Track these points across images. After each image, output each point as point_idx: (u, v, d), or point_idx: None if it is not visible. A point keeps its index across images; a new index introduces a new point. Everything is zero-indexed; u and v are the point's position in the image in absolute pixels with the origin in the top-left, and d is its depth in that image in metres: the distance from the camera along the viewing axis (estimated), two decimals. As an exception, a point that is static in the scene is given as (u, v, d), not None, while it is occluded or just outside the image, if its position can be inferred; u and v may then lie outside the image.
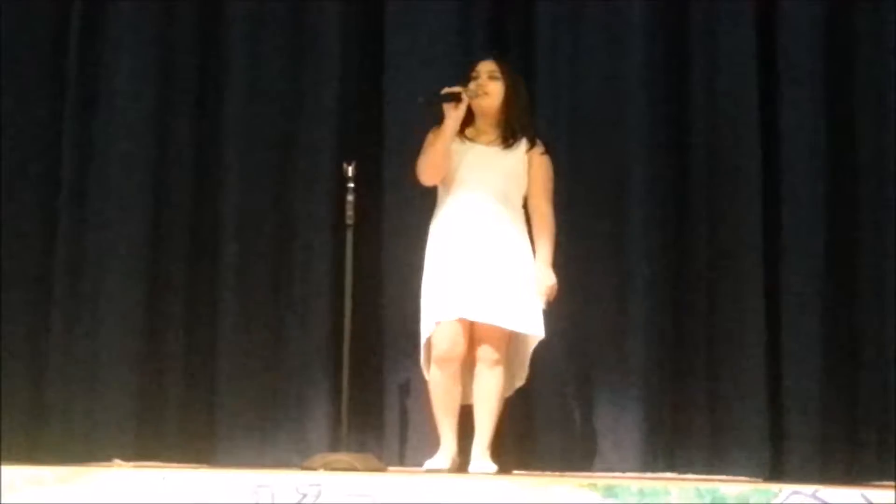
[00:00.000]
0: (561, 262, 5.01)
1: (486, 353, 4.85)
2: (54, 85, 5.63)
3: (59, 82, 5.62)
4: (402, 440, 5.35)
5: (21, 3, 5.60)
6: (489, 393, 4.86)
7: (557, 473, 5.07)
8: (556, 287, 4.91)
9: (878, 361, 5.27)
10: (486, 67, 5.00)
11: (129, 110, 5.55)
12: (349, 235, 4.95)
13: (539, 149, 5.02)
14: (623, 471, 5.17)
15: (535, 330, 4.88)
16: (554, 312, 5.01)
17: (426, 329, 4.87)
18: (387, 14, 5.58)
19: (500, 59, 5.05)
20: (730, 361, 5.31)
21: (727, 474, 5.15)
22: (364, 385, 5.23)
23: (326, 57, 5.60)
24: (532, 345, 4.92)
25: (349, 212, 4.94)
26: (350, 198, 4.95)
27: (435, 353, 4.86)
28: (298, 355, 5.44)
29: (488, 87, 4.97)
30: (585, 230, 5.37)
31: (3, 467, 3.85)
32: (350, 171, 4.96)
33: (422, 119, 5.04)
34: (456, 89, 4.89)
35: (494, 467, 4.81)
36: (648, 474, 5.14)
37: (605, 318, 5.39)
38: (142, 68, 5.59)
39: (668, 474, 5.18)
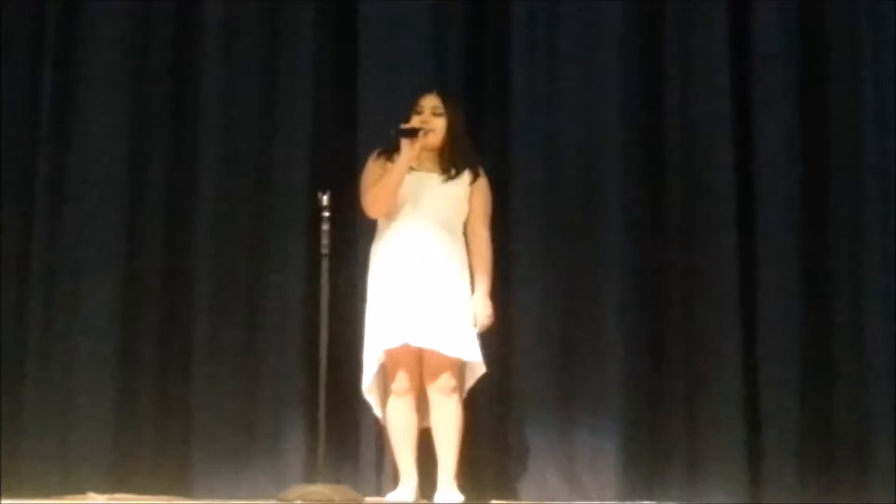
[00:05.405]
0: (540, 289, 5.09)
1: (442, 380, 4.85)
2: (30, 88, 5.61)
3: (35, 85, 5.61)
4: (379, 471, 5.32)
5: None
6: (449, 422, 4.87)
7: (536, 503, 5.05)
8: (493, 317, 4.93)
9: (855, 383, 5.31)
10: (430, 103, 5.04)
11: (102, 136, 5.55)
12: (325, 264, 4.93)
13: (483, 179, 5.06)
14: (602, 500, 5.15)
15: (474, 357, 4.87)
16: (535, 342, 5.02)
17: (372, 358, 4.89)
18: (360, 44, 5.59)
19: (444, 94, 5.08)
20: (706, 388, 5.34)
21: (705, 500, 5.15)
22: (340, 416, 5.20)
23: (300, 88, 5.61)
24: (474, 373, 4.91)
25: (325, 241, 4.92)
26: (325, 227, 4.93)
27: (394, 385, 4.89)
28: (274, 386, 5.42)
29: (432, 123, 5.00)
30: (562, 255, 5.41)
31: (-22, 501, 3.82)
32: (325, 200, 4.94)
33: (393, 147, 5.04)
34: (415, 125, 4.92)
35: (461, 497, 4.80)
36: (628, 503, 5.13)
37: (582, 346, 5.40)
38: (117, 77, 5.59)
39: (648, 503, 5.17)
